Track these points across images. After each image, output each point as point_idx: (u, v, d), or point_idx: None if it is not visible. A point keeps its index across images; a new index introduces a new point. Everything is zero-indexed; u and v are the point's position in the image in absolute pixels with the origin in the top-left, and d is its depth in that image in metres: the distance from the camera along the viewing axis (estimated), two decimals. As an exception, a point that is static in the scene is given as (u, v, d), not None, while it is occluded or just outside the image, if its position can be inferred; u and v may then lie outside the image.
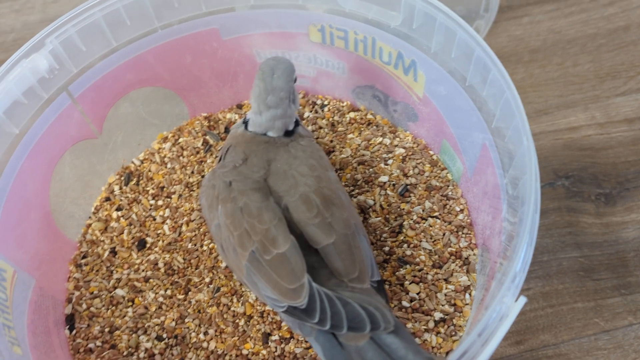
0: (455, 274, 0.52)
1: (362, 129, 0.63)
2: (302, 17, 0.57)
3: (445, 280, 0.52)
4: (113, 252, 0.58)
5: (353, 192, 0.58)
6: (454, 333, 0.50)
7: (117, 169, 0.63)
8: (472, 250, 0.54)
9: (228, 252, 0.45)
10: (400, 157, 0.60)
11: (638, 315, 0.54)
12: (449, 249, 0.54)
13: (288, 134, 0.51)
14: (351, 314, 0.39)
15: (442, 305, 0.51)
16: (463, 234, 0.55)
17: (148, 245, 0.58)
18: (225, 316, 0.53)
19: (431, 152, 0.60)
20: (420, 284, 0.52)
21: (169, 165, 0.63)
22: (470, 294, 0.52)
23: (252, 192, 0.45)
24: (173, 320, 0.53)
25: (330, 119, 0.64)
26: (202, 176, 0.61)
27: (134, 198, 0.61)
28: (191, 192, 0.61)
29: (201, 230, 0.58)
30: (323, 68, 0.62)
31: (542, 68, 0.71)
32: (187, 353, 0.52)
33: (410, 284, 0.52)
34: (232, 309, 0.53)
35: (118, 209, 0.61)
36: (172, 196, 0.61)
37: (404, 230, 0.55)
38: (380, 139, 0.61)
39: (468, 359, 0.34)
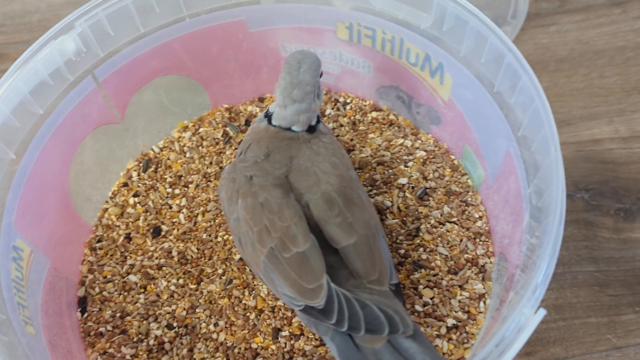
0: (471, 281, 0.52)
1: (384, 129, 0.63)
2: (331, 13, 0.56)
3: (460, 286, 0.52)
4: (128, 237, 0.58)
5: (371, 193, 0.58)
6: (466, 340, 0.50)
7: (137, 155, 0.63)
8: (489, 258, 0.54)
9: (246, 247, 0.45)
10: (421, 160, 0.59)
11: (652, 334, 0.53)
12: (466, 256, 0.54)
13: (310, 129, 0.51)
14: (369, 317, 0.39)
15: (456, 312, 0.51)
16: (480, 241, 0.54)
17: (163, 233, 0.58)
18: (236, 309, 0.53)
19: (452, 157, 0.60)
20: (435, 289, 0.52)
21: (187, 155, 0.63)
22: (484, 302, 0.51)
23: (273, 187, 0.45)
24: (184, 309, 0.53)
25: (352, 118, 0.64)
26: (221, 167, 0.61)
27: (151, 185, 0.61)
28: (208, 183, 0.61)
29: (217, 221, 0.58)
30: (348, 66, 0.62)
31: (568, 78, 0.70)
32: (197, 343, 0.52)
33: (424, 288, 0.52)
34: (243, 301, 0.53)
35: (135, 195, 0.61)
36: (190, 185, 0.60)
37: (421, 234, 0.55)
38: (401, 141, 0.61)
39: (485, 369, 0.34)
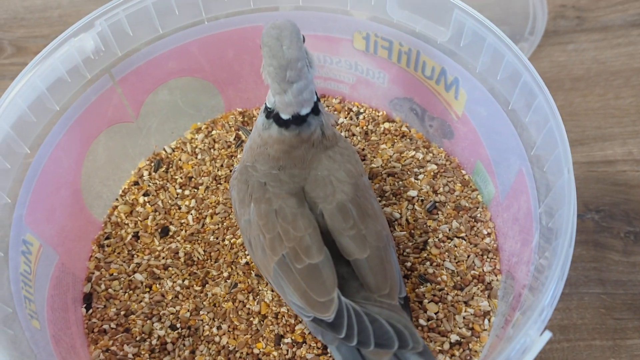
0: (476, 298, 0.52)
1: (396, 140, 0.63)
2: (349, 23, 0.57)
3: (465, 302, 0.52)
4: (136, 236, 0.58)
5: (380, 204, 0.58)
6: (469, 358, 0.49)
7: (149, 154, 0.64)
8: (496, 275, 0.53)
9: (256, 250, 0.45)
10: (432, 173, 0.59)
11: (658, 361, 0.53)
12: (472, 272, 0.53)
13: (315, 110, 0.46)
14: (379, 331, 0.39)
15: (460, 328, 0.51)
16: (488, 258, 0.54)
17: (171, 234, 0.58)
18: (240, 313, 0.53)
19: (463, 172, 0.60)
20: (440, 303, 0.52)
21: (199, 156, 0.63)
22: (489, 320, 0.51)
23: (287, 196, 0.45)
24: (188, 311, 0.53)
25: (365, 128, 0.64)
26: (231, 171, 0.62)
27: (161, 185, 0.61)
28: (218, 185, 0.61)
29: (224, 224, 0.58)
30: (363, 76, 0.62)
31: (583, 97, 0.70)
32: (199, 345, 0.52)
33: (429, 302, 0.52)
34: (247, 306, 0.53)
35: (145, 194, 0.61)
36: (200, 187, 0.61)
37: (428, 248, 0.55)
38: (412, 153, 0.61)
39: (488, 388, 0.34)
